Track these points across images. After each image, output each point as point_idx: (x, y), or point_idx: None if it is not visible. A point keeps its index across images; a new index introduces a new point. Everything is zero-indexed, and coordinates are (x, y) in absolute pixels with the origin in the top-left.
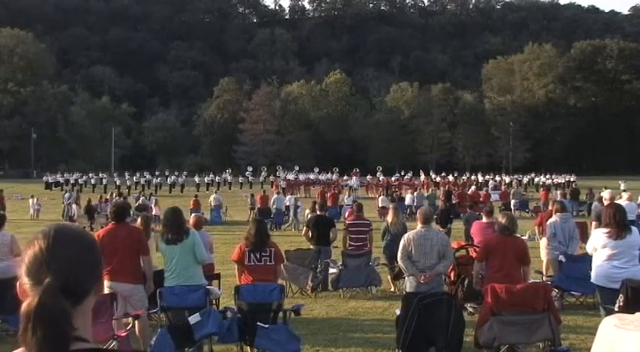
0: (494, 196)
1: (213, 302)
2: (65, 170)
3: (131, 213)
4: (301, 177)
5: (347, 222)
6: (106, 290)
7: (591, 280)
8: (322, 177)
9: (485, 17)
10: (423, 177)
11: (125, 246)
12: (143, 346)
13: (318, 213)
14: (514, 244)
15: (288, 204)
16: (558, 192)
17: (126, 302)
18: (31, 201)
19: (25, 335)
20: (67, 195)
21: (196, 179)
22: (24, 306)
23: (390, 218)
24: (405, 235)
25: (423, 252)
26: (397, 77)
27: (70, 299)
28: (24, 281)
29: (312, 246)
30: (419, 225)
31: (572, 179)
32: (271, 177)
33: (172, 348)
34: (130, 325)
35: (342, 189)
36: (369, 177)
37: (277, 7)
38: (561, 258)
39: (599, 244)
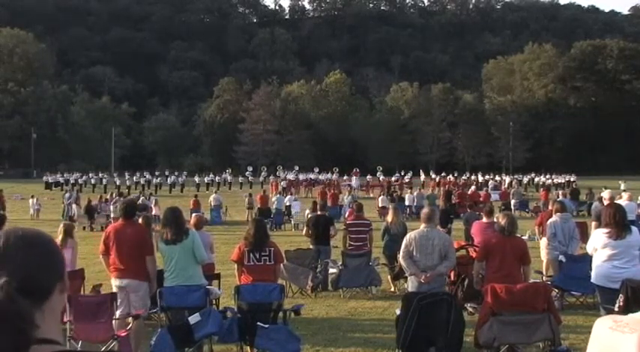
0: (494, 196)
1: (213, 302)
2: (65, 170)
3: None
4: (301, 177)
5: (347, 222)
6: (113, 288)
7: (591, 280)
8: (322, 177)
9: (485, 17)
10: (423, 176)
11: (132, 243)
12: (134, 347)
13: (318, 212)
14: (514, 244)
15: (288, 204)
16: (560, 192)
17: (129, 302)
18: (31, 201)
19: None
20: (67, 195)
21: (196, 179)
22: None
23: (390, 218)
24: (407, 235)
25: (424, 252)
26: (397, 77)
27: (29, 298)
28: None
29: (311, 246)
30: (422, 225)
31: (572, 179)
32: (271, 177)
33: (172, 348)
34: (131, 325)
35: (342, 190)
36: (369, 177)
37: (277, 7)
38: (561, 257)
39: (599, 244)
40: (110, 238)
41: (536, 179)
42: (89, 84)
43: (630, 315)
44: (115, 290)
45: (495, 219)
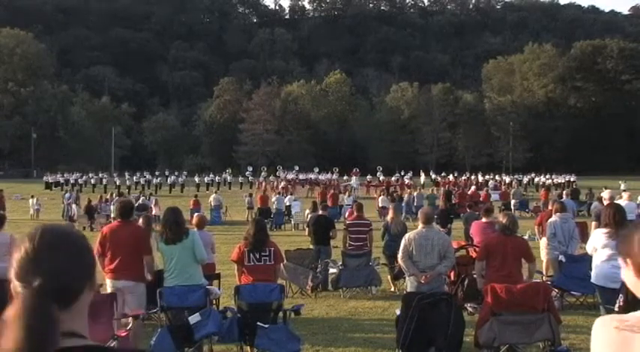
0: (495, 196)
1: (213, 302)
2: (65, 170)
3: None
4: (301, 177)
5: (347, 222)
6: (109, 289)
7: (591, 280)
8: (322, 177)
9: (485, 17)
10: (423, 177)
11: (128, 243)
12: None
13: (320, 212)
14: (515, 243)
15: (288, 204)
16: (564, 191)
17: (124, 303)
18: (31, 201)
19: (6, 339)
20: (67, 195)
21: (196, 179)
22: (8, 310)
23: (390, 216)
24: (406, 235)
25: (424, 252)
26: (397, 77)
27: (60, 301)
28: (16, 285)
29: (311, 246)
30: (420, 225)
31: (572, 179)
32: (271, 177)
33: (172, 348)
34: (130, 325)
35: (342, 190)
36: (369, 177)
37: (277, 7)
38: (561, 257)
39: (598, 244)
40: (106, 239)
41: (536, 179)
42: (89, 84)
43: (632, 314)
44: (109, 290)
45: (495, 219)
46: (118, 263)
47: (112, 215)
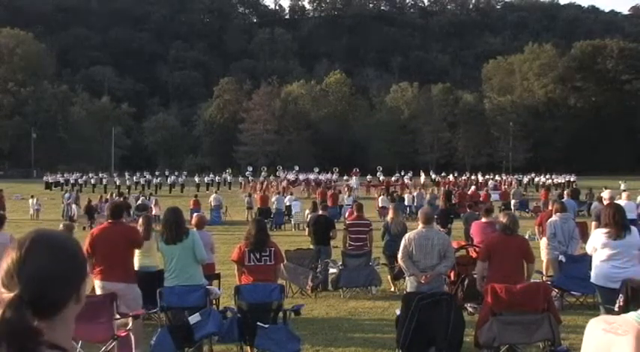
0: (495, 196)
1: (213, 302)
2: (65, 170)
3: (131, 213)
4: (301, 177)
5: (347, 222)
6: (98, 291)
7: (591, 280)
8: (322, 177)
9: (485, 17)
10: (423, 177)
11: (118, 244)
12: (134, 347)
13: (320, 212)
14: (516, 243)
15: (288, 204)
16: (565, 191)
17: (120, 303)
18: (31, 201)
19: None
20: (67, 195)
21: (196, 179)
22: None
23: (390, 216)
24: (406, 235)
25: (423, 252)
26: (397, 77)
27: (41, 310)
28: (2, 291)
29: (312, 246)
30: (420, 225)
31: (572, 179)
32: (271, 177)
33: (172, 348)
34: (130, 325)
35: (342, 190)
36: (369, 177)
37: (277, 7)
38: (561, 257)
39: (598, 244)
40: (96, 239)
41: (536, 179)
42: (89, 84)
43: (622, 316)
44: (98, 292)
45: (495, 219)
46: (108, 264)
47: None
